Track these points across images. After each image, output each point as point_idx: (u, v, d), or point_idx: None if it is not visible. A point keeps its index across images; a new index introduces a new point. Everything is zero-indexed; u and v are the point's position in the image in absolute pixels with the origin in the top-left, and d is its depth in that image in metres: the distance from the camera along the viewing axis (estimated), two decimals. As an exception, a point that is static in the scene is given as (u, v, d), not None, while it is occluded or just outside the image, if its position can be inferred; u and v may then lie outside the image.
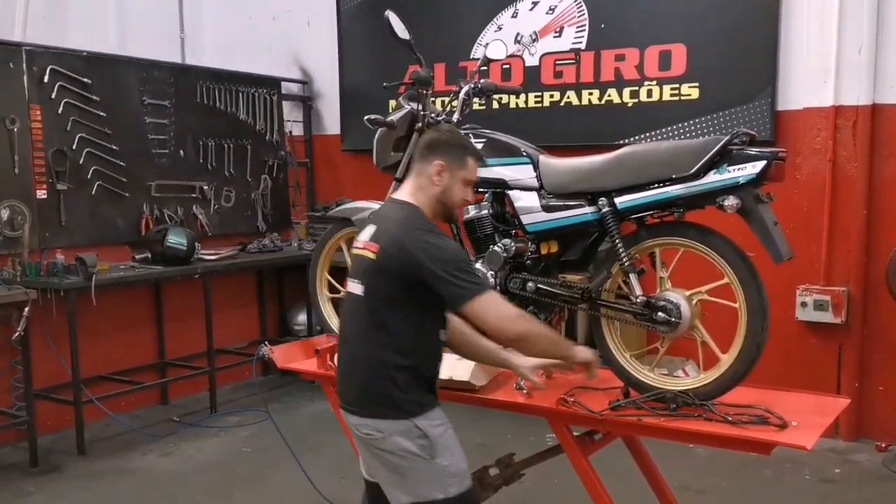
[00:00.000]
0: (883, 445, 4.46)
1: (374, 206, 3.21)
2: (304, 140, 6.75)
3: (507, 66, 5.56)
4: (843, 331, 4.58)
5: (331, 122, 6.60)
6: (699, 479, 4.15)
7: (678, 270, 2.66)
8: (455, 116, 3.17)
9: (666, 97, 5.17)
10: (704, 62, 4.94)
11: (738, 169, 2.39)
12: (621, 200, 2.61)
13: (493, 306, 2.32)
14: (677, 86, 5.09)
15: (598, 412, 2.56)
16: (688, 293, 2.61)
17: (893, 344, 4.50)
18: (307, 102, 6.67)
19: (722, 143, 2.42)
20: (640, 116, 5.25)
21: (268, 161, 6.37)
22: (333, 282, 3.54)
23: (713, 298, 2.61)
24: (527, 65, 5.67)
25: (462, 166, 2.48)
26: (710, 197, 2.45)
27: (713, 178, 2.43)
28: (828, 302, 4.52)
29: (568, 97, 5.52)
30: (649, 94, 5.21)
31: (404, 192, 2.52)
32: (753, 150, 2.41)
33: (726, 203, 2.39)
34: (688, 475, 4.09)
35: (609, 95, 5.36)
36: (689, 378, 2.67)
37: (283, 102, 6.52)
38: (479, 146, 2.92)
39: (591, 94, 5.41)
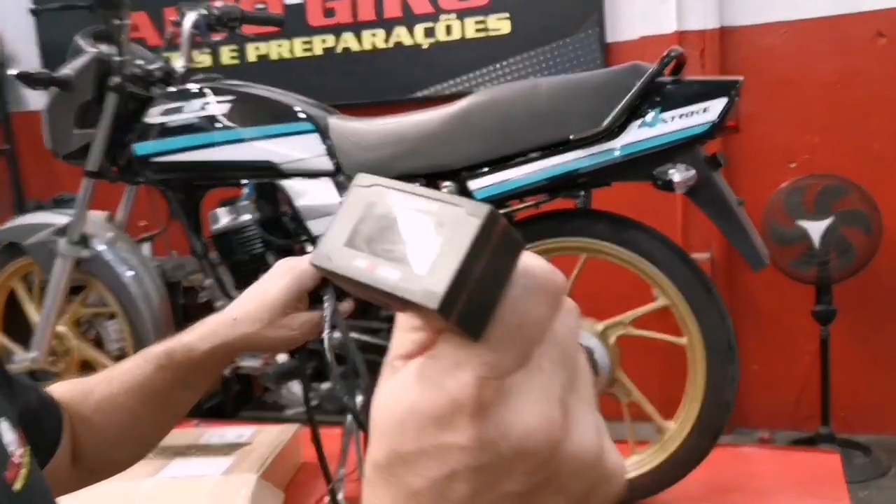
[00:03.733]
0: (766, 436, 3.82)
1: (60, 218, 1.92)
2: (-4, 120, 5.03)
3: (262, 5, 4.22)
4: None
5: (34, 93, 4.94)
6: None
7: (576, 289, 1.62)
8: (180, 63, 1.91)
9: (470, 34, 4.08)
10: (513, -15, 3.86)
11: (682, 115, 1.38)
12: (479, 184, 1.52)
13: None
14: (482, 18, 4.01)
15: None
16: (600, 326, 1.59)
17: (768, 316, 3.85)
18: (-5, 70, 4.95)
19: (648, 74, 1.39)
20: (440, 60, 4.11)
21: (-59, 153, 4.62)
22: (10, 345, 2.18)
23: (641, 332, 1.61)
24: (287, 1, 4.34)
25: None
26: (638, 167, 1.42)
27: (641, 135, 1.40)
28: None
29: (345, 41, 4.28)
30: (448, 30, 4.10)
31: None
32: (698, 81, 1.40)
33: (675, 177, 1.37)
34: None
35: (397, 36, 4.19)
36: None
37: (-43, 71, 4.76)
38: (224, 108, 1.71)
39: (374, 35, 4.21)
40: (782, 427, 3.73)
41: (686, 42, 3.61)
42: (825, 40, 3.28)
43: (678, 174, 1.35)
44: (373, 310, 1.71)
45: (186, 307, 2.80)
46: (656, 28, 3.70)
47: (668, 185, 1.36)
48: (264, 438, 1.87)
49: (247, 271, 1.76)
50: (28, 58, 4.92)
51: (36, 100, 5.20)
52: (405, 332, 0.34)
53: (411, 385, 0.31)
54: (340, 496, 1.69)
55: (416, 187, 0.33)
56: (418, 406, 0.31)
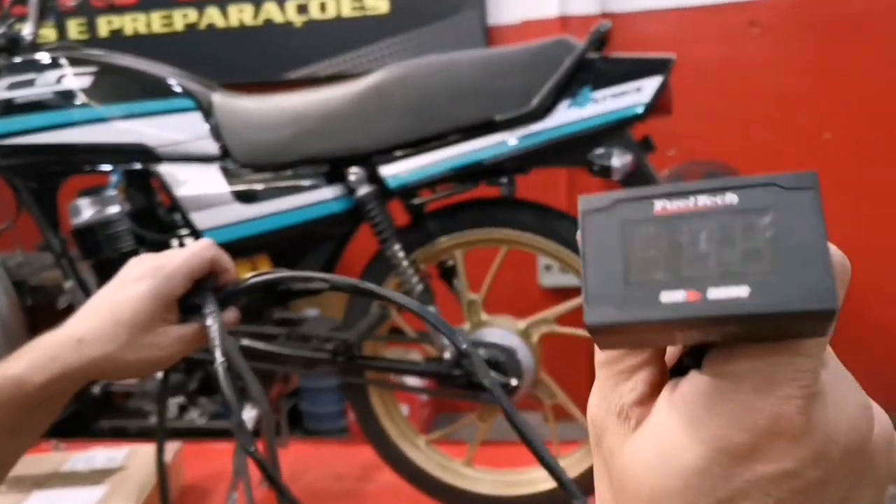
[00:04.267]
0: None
1: None
2: None
3: (113, -26, 3.86)
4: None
5: None
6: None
7: (497, 284, 1.50)
8: (27, 30, 1.62)
9: (346, 12, 3.88)
10: (391, -37, 3.71)
11: (614, 95, 1.27)
12: (392, 170, 1.36)
13: None
14: (359, -4, 3.83)
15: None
16: (522, 324, 1.47)
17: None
18: None
19: (580, 49, 1.27)
20: (314, 39, 3.89)
21: None
22: None
23: (567, 329, 1.50)
24: (143, -29, 3.98)
25: None
26: (568, 151, 1.30)
27: (571, 116, 1.28)
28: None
29: (209, 16, 3.98)
30: (322, 8, 3.88)
31: None
32: (630, 59, 1.30)
33: (614, 162, 1.25)
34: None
35: (267, 12, 3.93)
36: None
37: None
38: (85, 81, 1.46)
39: (241, 10, 3.93)
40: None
41: (568, 27, 3.57)
42: (704, 29, 3.31)
43: (617, 159, 1.24)
44: (266, 313, 1.52)
45: (34, 309, 2.47)
46: (539, 12, 3.64)
47: (606, 171, 1.25)
48: (140, 461, 1.64)
49: (115, 272, 1.51)
50: None
51: None
52: (624, 374, 0.29)
53: (690, 428, 0.26)
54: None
55: (671, 185, 0.26)
56: (718, 445, 0.25)
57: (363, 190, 1.36)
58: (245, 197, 1.40)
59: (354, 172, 1.36)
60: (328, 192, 1.38)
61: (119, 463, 1.64)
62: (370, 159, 1.36)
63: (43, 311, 1.91)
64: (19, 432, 0.65)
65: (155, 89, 1.48)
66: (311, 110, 1.37)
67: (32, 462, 1.69)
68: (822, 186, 0.26)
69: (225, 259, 0.72)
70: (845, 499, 0.26)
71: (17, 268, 2.62)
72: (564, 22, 3.54)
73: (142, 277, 0.68)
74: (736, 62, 3.25)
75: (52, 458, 1.73)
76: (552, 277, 3.36)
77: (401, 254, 1.38)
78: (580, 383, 1.68)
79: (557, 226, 1.39)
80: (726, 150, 3.26)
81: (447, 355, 1.39)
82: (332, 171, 1.39)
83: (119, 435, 2.45)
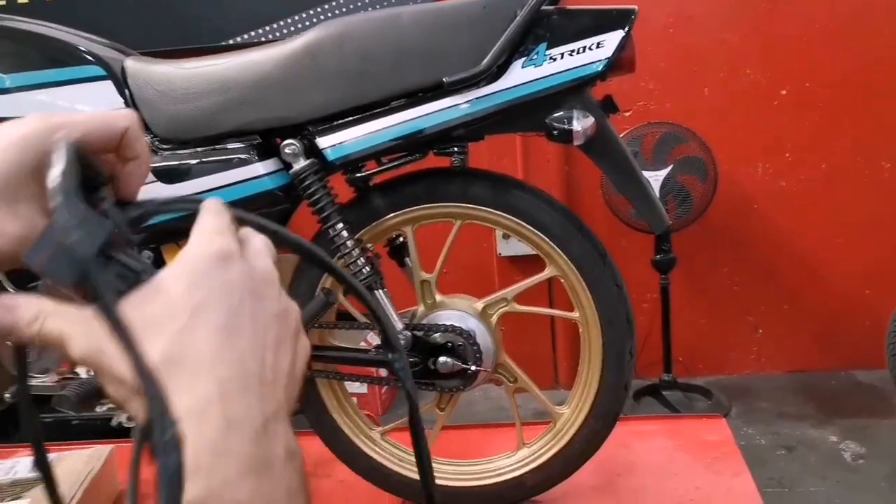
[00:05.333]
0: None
1: None
2: None
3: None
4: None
5: None
6: None
7: (451, 261, 1.38)
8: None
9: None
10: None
11: (572, 52, 1.15)
12: (330, 141, 1.22)
13: None
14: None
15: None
16: (480, 304, 1.36)
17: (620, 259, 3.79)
18: None
19: (533, 3, 1.15)
20: (253, 4, 3.68)
21: None
22: None
23: (526, 308, 1.39)
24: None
25: None
26: (524, 115, 1.19)
27: (526, 76, 1.16)
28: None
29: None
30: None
31: None
32: (587, 11, 1.18)
33: (575, 125, 1.14)
34: None
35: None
36: (512, 459, 1.43)
37: None
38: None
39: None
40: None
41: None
42: (654, -18, 3.19)
43: (578, 122, 1.12)
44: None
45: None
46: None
47: (566, 136, 1.14)
48: (68, 469, 1.50)
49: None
50: None
51: None
52: None
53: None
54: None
55: None
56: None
57: (299, 164, 1.23)
58: (167, 175, 1.26)
59: (289, 144, 1.23)
60: (260, 168, 1.24)
61: (43, 471, 1.49)
62: (306, 130, 1.23)
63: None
64: None
65: (61, 56, 1.31)
66: (237, 76, 1.22)
67: (-53, 473, 1.54)
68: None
69: (141, 142, 0.50)
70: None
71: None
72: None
73: (21, 122, 0.47)
74: (692, 18, 3.15)
75: (-32, 467, 1.58)
76: (511, 247, 3.25)
77: (345, 233, 1.25)
78: (541, 362, 1.59)
79: (514, 197, 1.27)
80: (681, 110, 3.17)
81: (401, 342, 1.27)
82: (264, 143, 1.25)
83: (61, 432, 2.29)
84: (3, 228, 0.46)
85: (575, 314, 1.32)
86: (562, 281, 1.31)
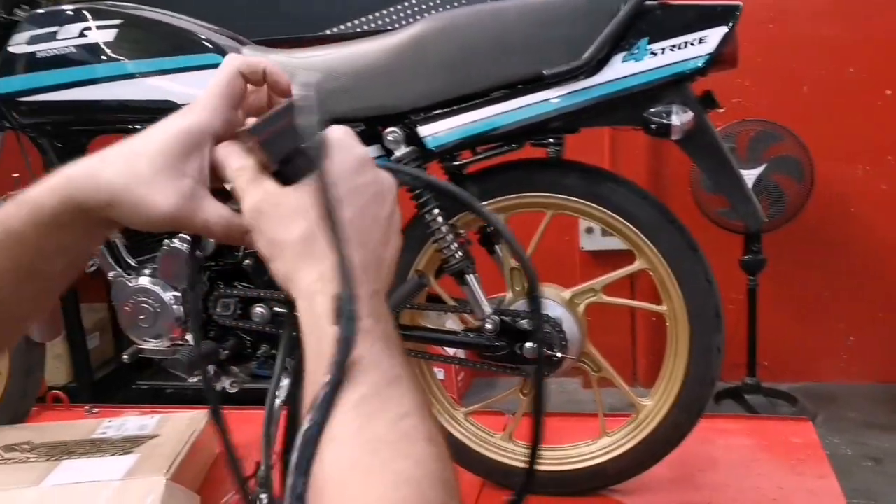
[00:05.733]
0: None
1: None
2: None
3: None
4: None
5: None
6: None
7: (541, 250, 1.41)
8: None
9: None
10: None
11: (674, 47, 1.17)
12: (431, 130, 1.27)
13: None
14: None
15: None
16: (567, 294, 1.39)
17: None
18: None
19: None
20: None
21: None
22: None
23: (614, 299, 1.42)
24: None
25: None
26: (622, 109, 1.21)
27: (626, 70, 1.18)
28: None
29: (243, -31, 3.85)
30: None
31: None
32: (691, 6, 1.19)
33: (673, 119, 1.16)
34: None
35: (302, -35, 3.79)
36: (594, 447, 1.45)
37: None
38: (110, 35, 1.39)
39: (276, -37, 3.80)
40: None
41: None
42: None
43: (676, 117, 1.14)
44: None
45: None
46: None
47: (665, 131, 1.16)
48: (172, 428, 1.61)
49: (143, 234, 1.46)
50: None
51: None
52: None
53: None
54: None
55: None
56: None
57: (400, 150, 1.28)
58: (277, 157, 1.33)
59: (391, 132, 1.28)
60: (364, 152, 1.30)
61: (150, 430, 1.60)
62: (408, 118, 1.28)
63: (81, 275, 1.86)
64: (41, 262, 0.59)
65: (183, 44, 1.40)
66: (344, 66, 1.29)
67: (63, 428, 1.67)
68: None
69: (261, 65, 0.63)
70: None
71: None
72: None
73: (182, 114, 0.61)
74: (790, 11, 3.08)
75: (83, 424, 1.70)
76: (593, 241, 3.25)
77: (440, 218, 1.30)
78: (625, 353, 1.60)
79: (606, 189, 1.30)
80: (778, 107, 3.10)
81: (488, 325, 1.31)
82: (368, 130, 1.31)
83: (155, 398, 2.43)
84: (167, 199, 0.57)
85: (663, 307, 1.34)
86: (651, 274, 1.33)
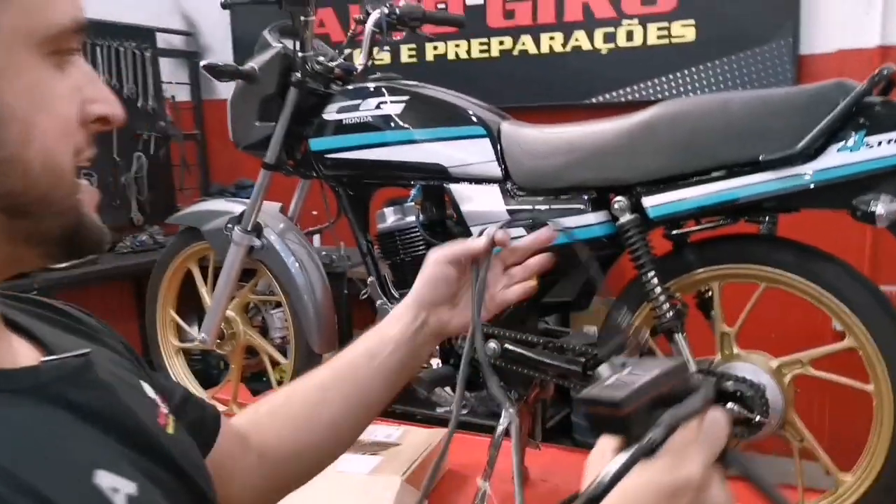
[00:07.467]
0: None
1: (236, 207, 2.01)
2: (191, 106, 5.38)
3: (443, 5, 4.30)
4: None
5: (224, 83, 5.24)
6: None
7: (752, 320, 1.51)
8: (360, 60, 1.95)
9: (651, 40, 3.94)
10: (701, -8, 3.71)
11: (890, 141, 1.24)
12: (655, 202, 1.44)
13: None
14: (666, 24, 3.88)
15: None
16: (775, 363, 1.47)
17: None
18: (193, 59, 5.30)
19: (855, 93, 1.26)
20: (618, 66, 4.01)
21: (142, 135, 5.00)
22: (183, 324, 2.32)
23: (819, 373, 1.47)
24: (467, 2, 4.38)
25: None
26: (833, 195, 1.30)
27: (840, 160, 1.28)
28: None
29: (523, 43, 4.27)
30: (629, 36, 3.99)
31: None
32: (911, 103, 1.26)
33: (878, 208, 1.23)
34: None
35: (576, 40, 4.13)
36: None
37: (161, 59, 5.14)
38: (399, 108, 1.72)
39: (552, 38, 4.16)
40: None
41: (889, 58, 3.32)
42: None
43: (882, 206, 1.22)
44: (530, 322, 1.67)
45: (350, 297, 2.87)
46: (857, 41, 3.43)
47: (869, 217, 1.23)
48: (412, 440, 1.88)
49: (407, 272, 1.77)
50: (222, 50, 5.27)
51: (226, 88, 5.52)
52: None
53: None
54: (484, 506, 1.66)
55: None
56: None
57: (625, 217, 1.46)
58: (519, 214, 1.57)
59: (618, 201, 1.47)
60: (592, 218, 1.50)
61: (395, 439, 1.89)
62: (635, 189, 1.46)
63: (356, 300, 2.24)
64: (394, 384, 0.93)
65: (454, 117, 1.70)
66: (585, 142, 1.50)
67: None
68: None
69: (458, 255, 0.93)
70: None
71: (338, 260, 3.07)
72: (885, 52, 3.29)
73: (447, 248, 0.94)
74: None
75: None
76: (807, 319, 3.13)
77: (655, 280, 1.46)
78: (828, 428, 1.62)
79: (818, 267, 1.38)
80: None
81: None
82: (598, 198, 1.51)
83: (405, 418, 2.76)
84: (454, 321, 0.93)
85: (870, 386, 1.37)
86: (859, 353, 1.38)
